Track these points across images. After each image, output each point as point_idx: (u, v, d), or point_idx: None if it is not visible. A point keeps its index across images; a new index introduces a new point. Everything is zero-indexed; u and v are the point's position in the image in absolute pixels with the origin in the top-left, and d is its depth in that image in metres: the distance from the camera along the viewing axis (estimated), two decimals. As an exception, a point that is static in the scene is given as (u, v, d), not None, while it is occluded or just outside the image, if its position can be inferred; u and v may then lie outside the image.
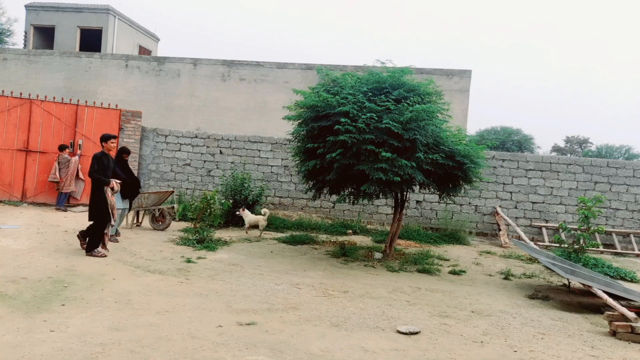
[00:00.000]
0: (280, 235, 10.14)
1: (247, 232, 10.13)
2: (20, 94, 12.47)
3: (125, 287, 5.67)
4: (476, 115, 71.88)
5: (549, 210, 11.97)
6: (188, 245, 8.38)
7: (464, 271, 7.97)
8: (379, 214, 12.36)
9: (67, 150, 11.84)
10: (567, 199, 11.93)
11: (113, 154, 7.85)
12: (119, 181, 7.46)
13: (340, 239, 10.14)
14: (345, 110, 7.33)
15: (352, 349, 4.27)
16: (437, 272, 7.78)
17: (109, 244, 7.61)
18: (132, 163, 12.75)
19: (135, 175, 9.06)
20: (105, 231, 7.28)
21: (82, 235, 7.43)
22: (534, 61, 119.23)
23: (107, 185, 7.16)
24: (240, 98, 17.47)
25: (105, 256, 7.11)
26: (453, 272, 7.82)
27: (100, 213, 7.12)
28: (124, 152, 8.80)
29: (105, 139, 7.55)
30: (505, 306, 6.11)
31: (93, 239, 7.15)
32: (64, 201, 11.68)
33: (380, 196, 8.64)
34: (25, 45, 24.14)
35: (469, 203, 12.13)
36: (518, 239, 10.26)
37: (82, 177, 12.02)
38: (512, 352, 4.50)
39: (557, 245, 9.12)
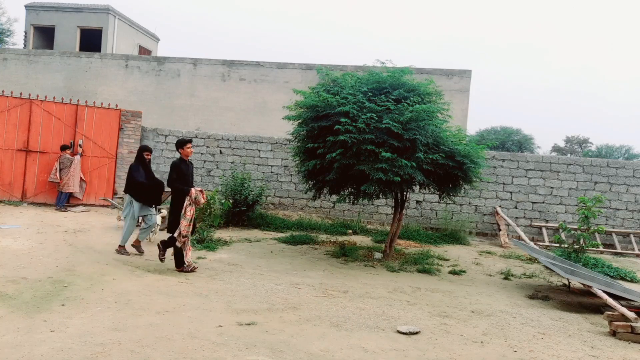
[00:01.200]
0: (280, 235, 10.13)
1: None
2: (20, 94, 12.47)
3: (125, 287, 5.67)
4: (476, 115, 71.98)
5: (549, 210, 11.96)
6: (188, 245, 8.37)
7: (464, 271, 7.97)
8: (379, 214, 12.35)
9: (69, 150, 11.83)
10: (567, 199, 11.93)
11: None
12: (199, 189, 6.71)
13: (340, 239, 10.14)
14: (345, 110, 7.33)
15: (352, 349, 4.27)
16: (437, 272, 7.78)
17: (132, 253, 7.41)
18: (132, 163, 12.76)
19: (157, 176, 8.09)
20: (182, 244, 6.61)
21: (162, 245, 6.75)
22: (534, 61, 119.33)
23: (187, 195, 6.54)
24: (240, 98, 17.47)
25: (196, 269, 6.64)
26: (453, 272, 7.82)
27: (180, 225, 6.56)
28: (144, 150, 7.77)
29: (181, 144, 6.85)
30: (505, 306, 6.11)
31: (179, 254, 6.64)
32: (64, 201, 11.66)
33: (380, 196, 8.64)
34: (25, 45, 24.14)
35: (469, 203, 12.13)
36: (518, 239, 10.26)
37: (83, 178, 12.02)
38: (512, 352, 4.50)
39: (557, 245, 9.11)
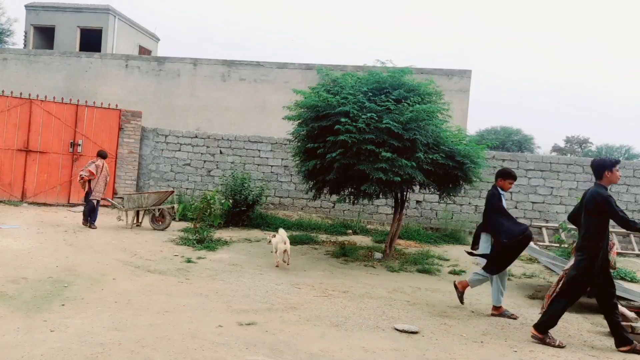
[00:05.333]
0: (280, 235, 10.12)
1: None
2: (20, 94, 12.47)
3: (125, 287, 5.67)
4: (476, 115, 71.82)
5: (549, 210, 11.96)
6: (188, 245, 8.37)
7: (464, 271, 7.96)
8: (379, 214, 12.35)
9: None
10: (567, 199, 11.92)
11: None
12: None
13: (340, 239, 10.13)
14: (345, 110, 7.33)
15: (352, 349, 4.27)
16: (437, 272, 7.78)
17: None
18: (132, 163, 12.77)
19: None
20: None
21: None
22: (533, 62, 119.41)
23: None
24: (240, 98, 17.46)
25: (564, 346, 4.66)
26: (453, 272, 7.82)
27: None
28: (506, 175, 5.90)
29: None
30: (506, 306, 6.11)
31: (554, 315, 4.74)
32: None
33: (380, 196, 8.64)
34: (25, 45, 24.13)
35: (469, 203, 12.13)
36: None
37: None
38: (512, 352, 4.50)
39: (557, 245, 9.11)
